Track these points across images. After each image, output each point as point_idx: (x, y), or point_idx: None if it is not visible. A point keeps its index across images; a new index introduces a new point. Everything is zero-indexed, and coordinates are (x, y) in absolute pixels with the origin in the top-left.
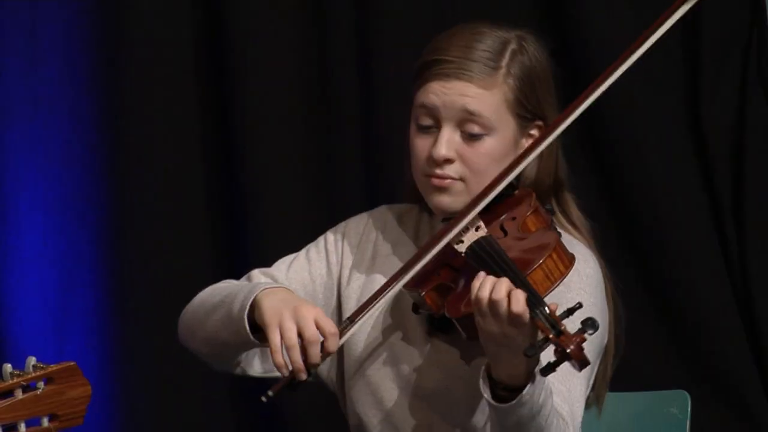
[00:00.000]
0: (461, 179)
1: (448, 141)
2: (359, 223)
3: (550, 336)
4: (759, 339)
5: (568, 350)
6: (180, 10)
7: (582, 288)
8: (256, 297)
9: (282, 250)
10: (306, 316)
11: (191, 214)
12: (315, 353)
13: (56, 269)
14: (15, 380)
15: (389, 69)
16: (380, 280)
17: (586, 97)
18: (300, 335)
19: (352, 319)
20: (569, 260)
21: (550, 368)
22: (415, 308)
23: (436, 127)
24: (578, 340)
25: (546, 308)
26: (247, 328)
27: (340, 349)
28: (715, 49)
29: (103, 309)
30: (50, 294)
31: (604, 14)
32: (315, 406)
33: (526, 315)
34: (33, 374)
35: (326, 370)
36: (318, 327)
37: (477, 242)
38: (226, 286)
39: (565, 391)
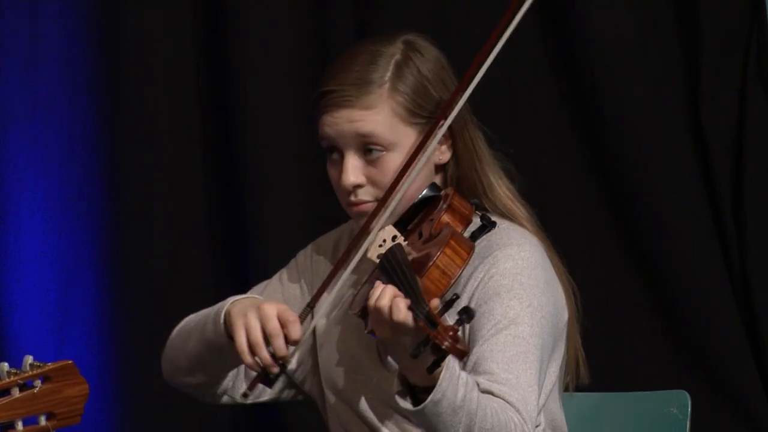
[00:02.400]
0: (377, 200)
1: (353, 167)
2: (328, 240)
3: (430, 333)
4: (759, 339)
5: (443, 346)
6: (180, 11)
7: (518, 273)
8: (227, 309)
9: (281, 250)
10: (268, 314)
11: (191, 214)
12: (280, 345)
13: (56, 269)
14: (12, 378)
15: None
16: (350, 293)
17: (452, 103)
18: (264, 332)
19: (312, 305)
20: (468, 248)
21: (435, 365)
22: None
23: (341, 156)
24: (451, 332)
25: (426, 308)
26: (224, 330)
27: (316, 368)
28: (715, 49)
29: (103, 309)
30: (50, 294)
31: (603, 14)
32: (314, 407)
33: (409, 320)
34: (30, 373)
35: (308, 384)
36: (279, 320)
37: (385, 253)
38: (198, 313)
39: (512, 378)
